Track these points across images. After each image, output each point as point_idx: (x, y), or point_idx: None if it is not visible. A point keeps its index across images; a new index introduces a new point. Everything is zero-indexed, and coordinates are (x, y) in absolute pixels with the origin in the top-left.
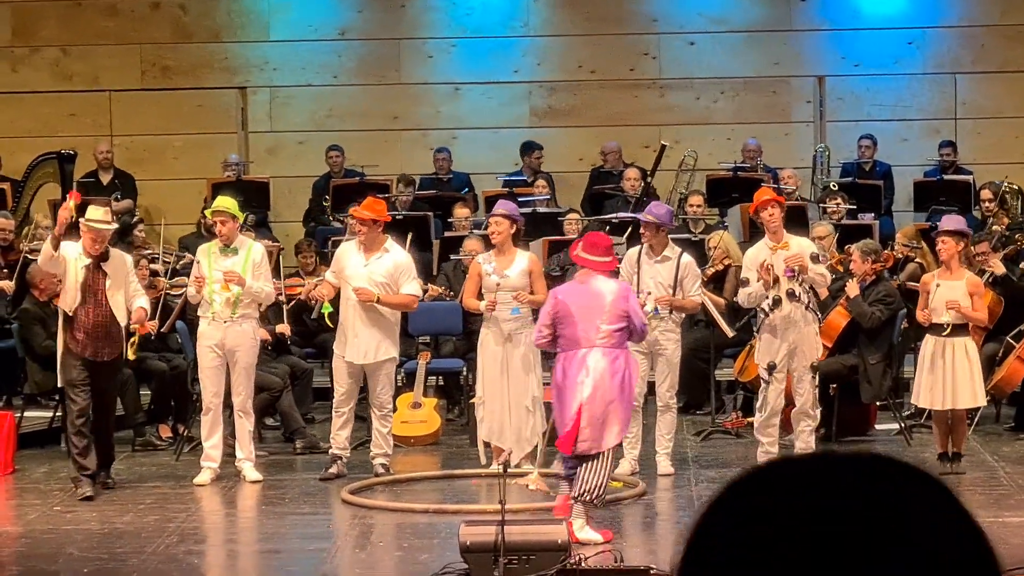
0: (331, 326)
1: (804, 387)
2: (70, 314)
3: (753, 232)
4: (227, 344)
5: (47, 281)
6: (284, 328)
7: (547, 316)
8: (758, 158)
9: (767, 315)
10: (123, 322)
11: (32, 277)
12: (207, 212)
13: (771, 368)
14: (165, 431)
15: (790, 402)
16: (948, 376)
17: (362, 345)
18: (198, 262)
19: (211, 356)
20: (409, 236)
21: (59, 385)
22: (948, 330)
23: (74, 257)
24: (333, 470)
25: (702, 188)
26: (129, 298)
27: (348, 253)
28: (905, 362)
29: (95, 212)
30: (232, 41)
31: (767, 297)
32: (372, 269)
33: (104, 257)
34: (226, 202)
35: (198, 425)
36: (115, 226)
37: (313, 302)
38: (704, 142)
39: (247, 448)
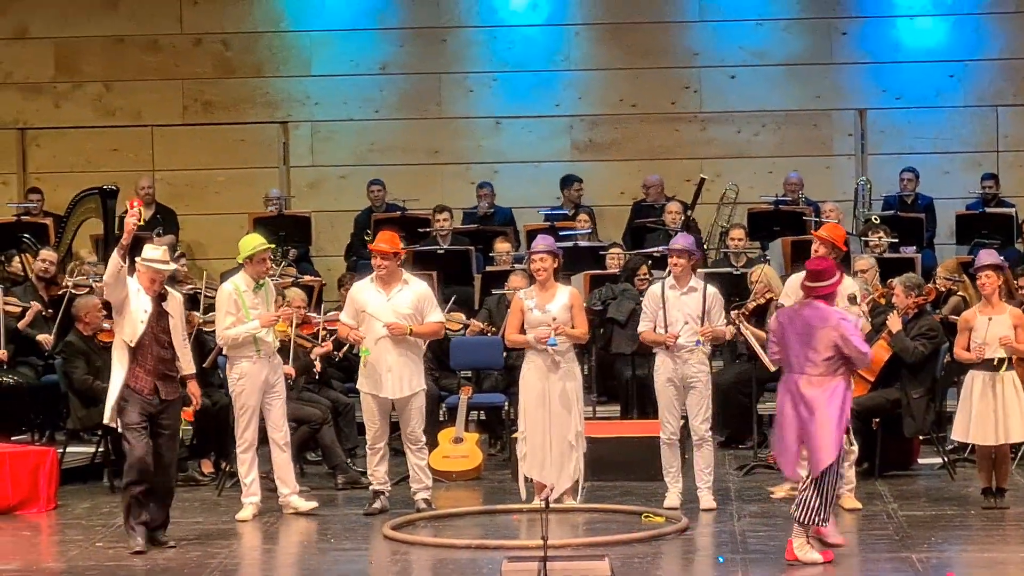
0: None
1: None
2: (132, 345)
3: (796, 265)
4: (270, 379)
5: (92, 315)
6: (327, 346)
7: (772, 336)
8: (800, 191)
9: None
10: (181, 367)
11: (78, 310)
12: (248, 252)
13: None
14: (207, 467)
15: None
16: (1000, 411)
17: (395, 380)
18: (234, 301)
19: (256, 395)
20: (434, 274)
21: (110, 423)
22: (1005, 365)
23: (135, 290)
24: (377, 505)
25: (743, 221)
26: (180, 345)
27: (365, 291)
28: (948, 395)
29: (153, 251)
30: (274, 76)
31: None
32: (396, 302)
33: (163, 296)
34: (261, 239)
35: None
36: (174, 267)
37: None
38: (745, 175)
39: (291, 482)
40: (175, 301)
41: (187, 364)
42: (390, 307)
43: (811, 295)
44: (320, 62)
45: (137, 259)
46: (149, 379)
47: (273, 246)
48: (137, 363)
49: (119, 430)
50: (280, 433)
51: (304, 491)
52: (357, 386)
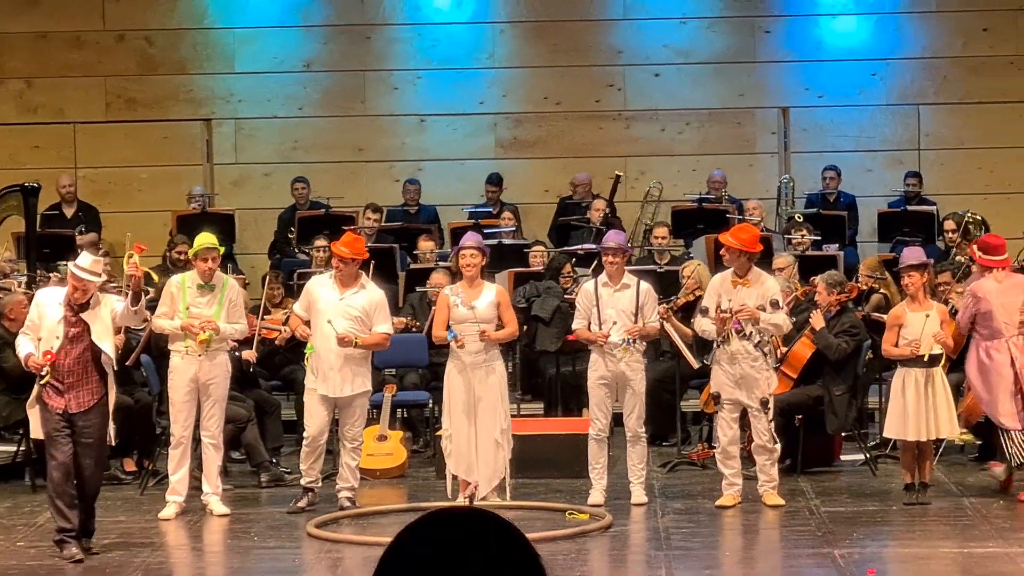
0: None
1: (758, 424)
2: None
3: (719, 263)
4: (201, 377)
5: (17, 311)
6: (250, 355)
7: (969, 312)
8: (723, 189)
9: (718, 347)
10: (103, 376)
11: (2, 307)
12: (189, 252)
13: (716, 398)
14: (130, 465)
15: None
16: (931, 407)
17: (339, 379)
18: (171, 294)
19: (184, 390)
20: (371, 265)
21: (33, 436)
22: (942, 361)
23: (53, 303)
24: (303, 502)
25: (667, 219)
26: (108, 357)
27: (320, 286)
28: (870, 392)
29: (85, 259)
30: (197, 73)
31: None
32: (348, 303)
33: (85, 307)
34: (210, 239)
35: (163, 459)
36: (103, 279)
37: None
38: (669, 173)
39: (214, 482)
40: (97, 309)
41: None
42: (341, 307)
43: (1001, 267)
44: (244, 59)
45: (68, 264)
46: (60, 398)
47: (216, 247)
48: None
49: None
50: (208, 432)
51: (227, 489)
52: (306, 381)
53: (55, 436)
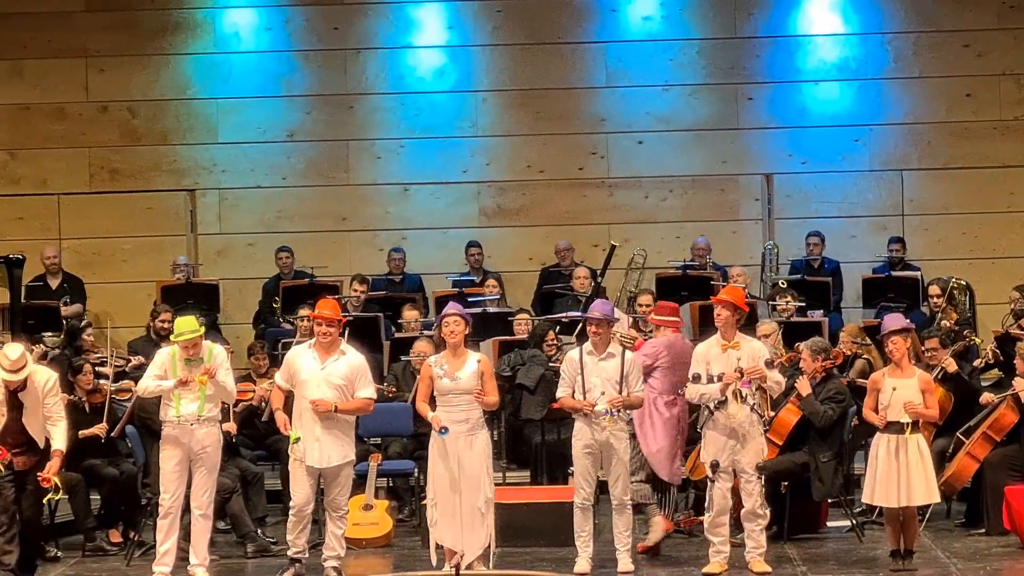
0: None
1: (751, 488)
2: None
3: (703, 330)
4: (194, 446)
5: None
6: (230, 427)
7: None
8: (707, 256)
9: (712, 413)
10: (40, 442)
11: None
12: (172, 338)
13: (715, 466)
14: (115, 536)
15: (741, 501)
16: (903, 473)
17: (324, 449)
18: (160, 370)
19: (175, 460)
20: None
21: None
22: (909, 429)
23: None
24: (289, 573)
25: (652, 287)
26: (45, 421)
27: (301, 356)
28: (856, 459)
29: (8, 355)
30: (181, 143)
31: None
32: (329, 371)
33: (21, 387)
34: (190, 324)
35: (148, 529)
36: (20, 379)
37: (264, 405)
38: (653, 240)
39: (202, 554)
40: (33, 390)
41: (57, 439)
42: (323, 376)
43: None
44: (227, 129)
45: None
46: (7, 454)
47: (197, 333)
48: None
49: None
50: (198, 504)
51: (213, 560)
52: (289, 451)
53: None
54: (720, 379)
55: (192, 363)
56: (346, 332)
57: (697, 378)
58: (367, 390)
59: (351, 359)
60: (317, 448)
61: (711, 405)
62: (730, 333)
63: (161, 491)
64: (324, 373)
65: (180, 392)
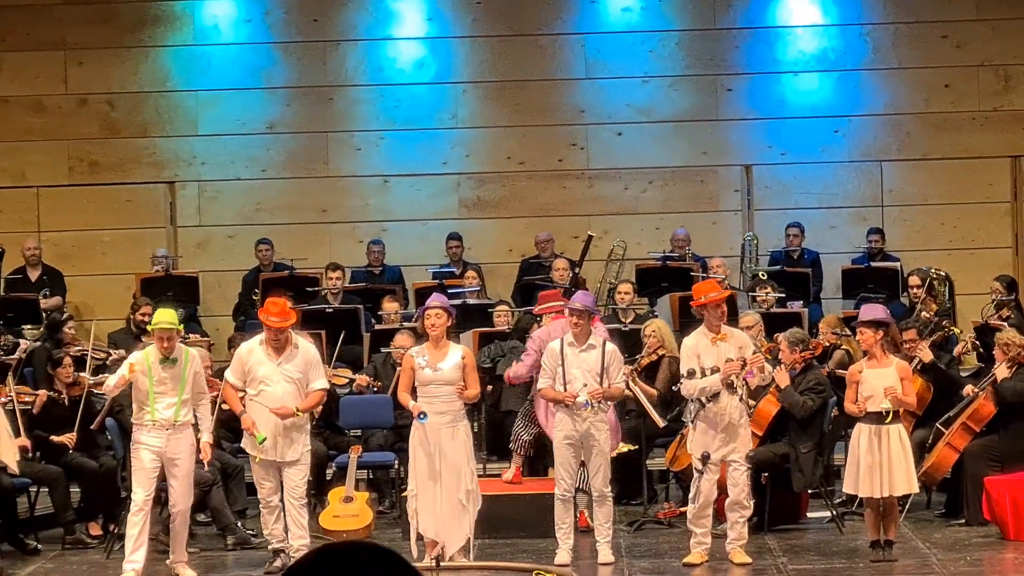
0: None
1: (739, 478)
2: None
3: (684, 321)
4: (168, 452)
5: None
6: (207, 450)
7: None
8: (687, 247)
9: (703, 406)
10: None
11: None
12: (149, 327)
13: (705, 458)
14: (95, 529)
15: (723, 491)
16: (884, 463)
17: (280, 443)
18: (136, 372)
19: (149, 460)
20: (323, 333)
21: None
22: (889, 417)
23: None
24: (278, 563)
25: (631, 278)
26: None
27: (255, 353)
28: (836, 449)
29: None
30: (160, 136)
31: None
32: (286, 367)
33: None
34: (168, 316)
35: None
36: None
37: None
38: (633, 232)
39: (183, 552)
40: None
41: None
42: (280, 372)
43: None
44: (206, 121)
45: None
46: None
47: (175, 326)
48: None
49: None
50: (179, 506)
51: (194, 553)
52: (242, 444)
53: None
54: (713, 371)
55: (166, 363)
56: (316, 334)
57: (692, 374)
58: (320, 381)
59: (304, 352)
60: (278, 444)
61: (703, 398)
62: (717, 325)
63: (133, 488)
64: (280, 369)
65: (156, 396)
